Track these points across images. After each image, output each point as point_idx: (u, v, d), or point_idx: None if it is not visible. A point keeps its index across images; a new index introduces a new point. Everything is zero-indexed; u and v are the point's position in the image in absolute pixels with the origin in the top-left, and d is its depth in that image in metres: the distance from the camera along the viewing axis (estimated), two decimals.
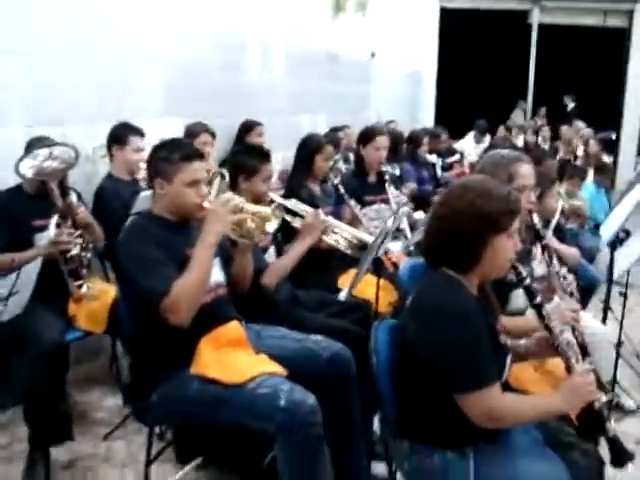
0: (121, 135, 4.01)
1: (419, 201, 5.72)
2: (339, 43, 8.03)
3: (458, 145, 9.62)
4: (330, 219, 3.40)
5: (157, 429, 3.41)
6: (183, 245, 2.56)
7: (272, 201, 3.27)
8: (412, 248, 4.09)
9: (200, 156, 2.62)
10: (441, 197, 2.15)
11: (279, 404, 2.32)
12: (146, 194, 3.46)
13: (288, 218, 3.27)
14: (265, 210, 2.69)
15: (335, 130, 6.66)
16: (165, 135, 4.60)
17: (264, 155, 3.29)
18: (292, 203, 3.27)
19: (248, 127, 5.59)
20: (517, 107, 12.87)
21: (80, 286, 3.39)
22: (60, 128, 3.84)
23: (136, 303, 2.56)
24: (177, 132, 5.02)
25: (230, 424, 2.43)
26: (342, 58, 8.15)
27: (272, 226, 2.67)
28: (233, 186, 3.19)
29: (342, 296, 3.21)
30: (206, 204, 2.55)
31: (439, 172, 7.45)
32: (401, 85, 10.58)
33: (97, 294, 3.43)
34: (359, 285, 3.66)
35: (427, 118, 11.57)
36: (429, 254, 2.16)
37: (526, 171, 2.80)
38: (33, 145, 3.36)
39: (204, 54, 5.45)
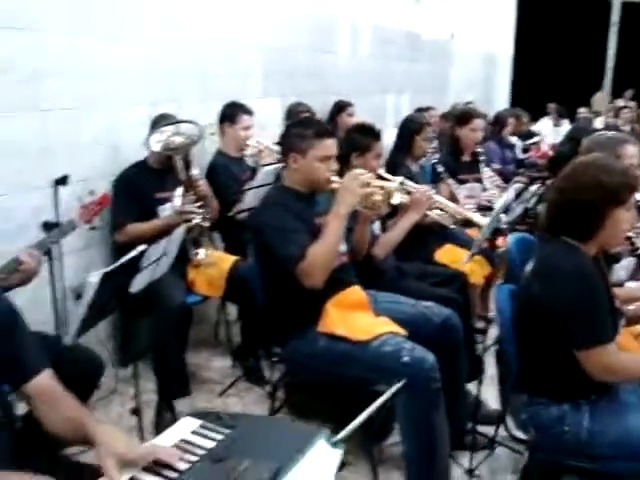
0: (232, 113, 4.26)
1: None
2: (421, 25, 8.16)
3: (535, 128, 9.64)
4: (436, 196, 3.59)
5: (268, 388, 3.70)
6: (312, 215, 2.80)
7: (380, 176, 3.48)
8: (505, 226, 4.24)
9: (331, 134, 2.84)
10: (565, 172, 2.32)
11: (403, 360, 2.53)
12: (268, 169, 3.72)
13: None
14: (390, 185, 2.91)
15: (420, 111, 6.81)
16: (265, 115, 4.90)
17: (376, 134, 3.50)
18: (401, 180, 3.45)
19: (340, 107, 5.79)
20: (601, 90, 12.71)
21: (199, 253, 3.68)
22: (176, 107, 4.13)
23: (269, 268, 2.81)
24: (276, 112, 5.28)
25: (355, 380, 2.65)
26: (423, 39, 8.28)
27: (396, 199, 2.88)
28: (345, 163, 3.39)
29: (465, 261, 3.39)
30: (334, 178, 2.77)
31: (519, 153, 7.56)
32: (478, 66, 10.63)
33: (215, 261, 3.70)
34: (453, 257, 3.88)
35: (501, 100, 11.58)
36: (551, 223, 2.33)
37: (632, 151, 2.97)
38: (159, 122, 3.62)
39: (298, 37, 5.68)
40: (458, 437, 3.01)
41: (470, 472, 2.88)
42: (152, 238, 2.98)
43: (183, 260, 3.62)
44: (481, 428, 3.09)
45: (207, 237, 3.83)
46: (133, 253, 2.39)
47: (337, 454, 1.38)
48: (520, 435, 2.53)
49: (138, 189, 3.64)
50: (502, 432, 2.98)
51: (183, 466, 1.55)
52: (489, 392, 3.18)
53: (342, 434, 1.36)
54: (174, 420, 3.37)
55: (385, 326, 2.70)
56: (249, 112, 4.29)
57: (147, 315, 3.48)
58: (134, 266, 2.50)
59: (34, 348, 1.90)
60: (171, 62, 4.30)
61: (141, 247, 2.46)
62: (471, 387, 3.17)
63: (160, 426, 3.34)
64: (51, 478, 1.50)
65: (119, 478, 1.52)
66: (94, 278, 2.17)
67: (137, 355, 3.80)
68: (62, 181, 3.14)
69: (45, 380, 1.85)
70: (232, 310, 4.27)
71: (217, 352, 4.28)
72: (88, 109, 3.73)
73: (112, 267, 2.28)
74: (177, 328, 3.41)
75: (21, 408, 1.96)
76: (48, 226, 2.94)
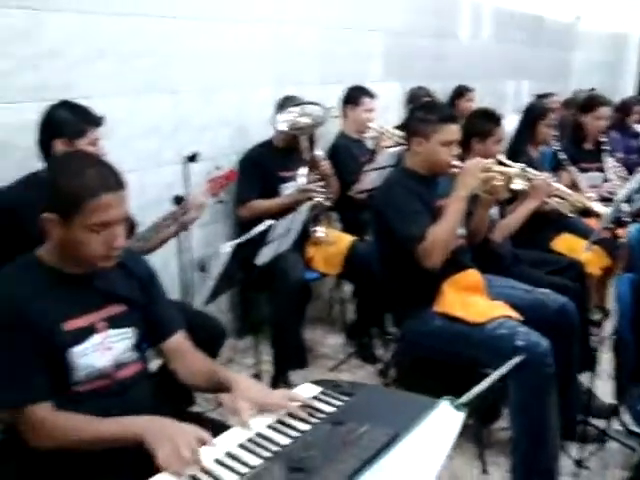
0: (355, 96, 4.35)
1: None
2: (545, 7, 7.97)
3: None
4: (555, 183, 3.56)
5: (380, 366, 3.80)
6: (433, 197, 2.86)
7: (500, 162, 3.48)
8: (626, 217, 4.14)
9: (455, 119, 2.88)
10: None
11: (517, 344, 2.55)
12: (389, 151, 3.80)
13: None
14: (511, 170, 2.92)
15: (541, 97, 6.67)
16: (385, 98, 4.95)
17: (496, 119, 3.50)
18: (522, 166, 3.43)
19: (460, 92, 5.77)
20: None
21: (319, 231, 3.80)
22: (299, 89, 4.25)
23: (389, 247, 2.88)
24: (396, 95, 5.32)
25: (468, 359, 2.69)
26: (547, 22, 8.09)
27: (516, 185, 2.89)
28: (466, 148, 3.41)
29: (586, 249, 3.36)
30: (456, 162, 2.82)
31: None
32: (604, 49, 10.25)
33: (333, 240, 3.82)
34: (571, 246, 3.83)
35: (629, 85, 11.11)
36: None
37: None
38: (285, 103, 3.76)
39: (420, 21, 5.70)
40: (568, 427, 2.99)
41: (579, 463, 2.87)
42: (274, 215, 3.13)
43: (303, 237, 3.72)
44: (593, 421, 3.06)
45: (326, 216, 3.94)
46: (261, 227, 2.51)
47: (460, 417, 1.45)
48: (635, 429, 2.50)
49: (263, 167, 3.79)
50: (615, 426, 2.96)
51: (304, 426, 1.65)
52: (602, 387, 3.14)
53: (465, 397, 1.43)
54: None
55: (501, 310, 2.73)
56: (372, 95, 4.37)
57: (265, 289, 3.63)
58: (261, 239, 2.63)
59: (171, 309, 2.08)
60: (295, 45, 4.44)
61: (269, 221, 2.58)
62: (583, 380, 3.15)
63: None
64: (197, 427, 1.63)
65: (249, 419, 1.67)
66: (226, 248, 2.30)
67: (255, 327, 3.99)
68: (192, 158, 3.30)
69: (180, 339, 2.03)
70: (346, 288, 4.38)
71: (331, 329, 4.41)
72: (216, 90, 3.92)
73: (242, 239, 2.41)
74: (295, 302, 3.55)
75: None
76: (178, 200, 3.10)
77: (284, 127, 3.61)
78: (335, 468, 1.42)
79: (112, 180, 1.75)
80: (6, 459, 1.88)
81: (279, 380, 3.57)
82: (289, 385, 3.52)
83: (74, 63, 3.16)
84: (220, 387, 1.86)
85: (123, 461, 1.70)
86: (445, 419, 1.46)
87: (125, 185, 1.79)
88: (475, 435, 2.96)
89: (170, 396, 2.12)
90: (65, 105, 2.72)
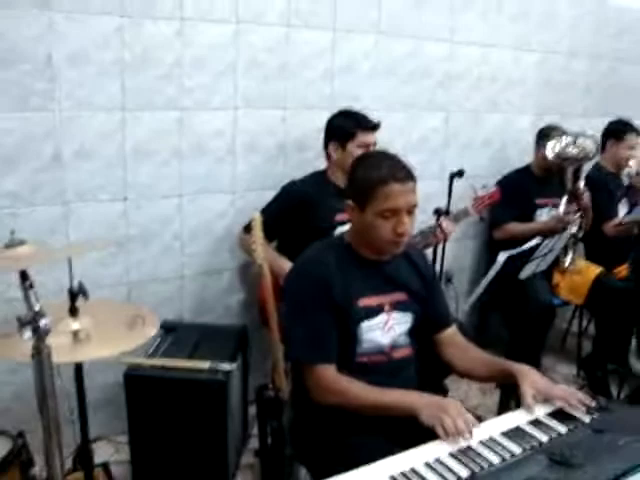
0: (619, 130, 4.26)
1: None
2: None
3: None
4: None
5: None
6: None
7: None
8: None
9: None
10: None
11: None
12: None
13: None
14: None
15: None
16: None
17: None
18: None
19: None
20: None
21: (567, 260, 3.84)
22: (561, 119, 4.30)
23: None
24: None
25: None
26: None
27: None
28: None
29: None
30: None
31: None
32: None
33: (580, 269, 3.84)
34: None
35: None
36: None
37: None
38: (549, 132, 3.84)
39: None
40: None
41: None
42: (527, 239, 3.25)
43: (551, 264, 3.78)
44: None
45: (574, 246, 3.96)
46: (533, 242, 2.64)
47: None
48: None
49: (521, 192, 3.90)
50: None
51: (562, 429, 1.77)
52: None
53: None
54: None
55: None
56: (638, 132, 4.27)
57: (500, 309, 3.74)
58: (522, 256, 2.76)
59: (446, 305, 2.29)
60: (561, 75, 4.54)
61: (536, 240, 2.70)
62: None
63: (506, 408, 3.56)
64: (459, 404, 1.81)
65: (534, 405, 1.84)
66: (501, 258, 2.46)
67: (487, 345, 4.08)
68: (458, 174, 3.49)
69: (454, 331, 2.25)
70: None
71: (563, 358, 4.38)
72: (482, 112, 4.14)
73: (514, 252, 2.56)
74: (539, 324, 3.63)
75: None
76: (438, 212, 3.28)
77: (550, 155, 3.67)
78: (598, 469, 1.52)
79: (402, 172, 1.96)
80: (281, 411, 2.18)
81: (509, 398, 3.64)
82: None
83: (363, 78, 3.51)
84: (500, 376, 2.03)
85: (392, 427, 1.90)
86: None
87: (414, 178, 1.98)
88: None
89: (429, 382, 2.31)
90: (342, 113, 3.12)
